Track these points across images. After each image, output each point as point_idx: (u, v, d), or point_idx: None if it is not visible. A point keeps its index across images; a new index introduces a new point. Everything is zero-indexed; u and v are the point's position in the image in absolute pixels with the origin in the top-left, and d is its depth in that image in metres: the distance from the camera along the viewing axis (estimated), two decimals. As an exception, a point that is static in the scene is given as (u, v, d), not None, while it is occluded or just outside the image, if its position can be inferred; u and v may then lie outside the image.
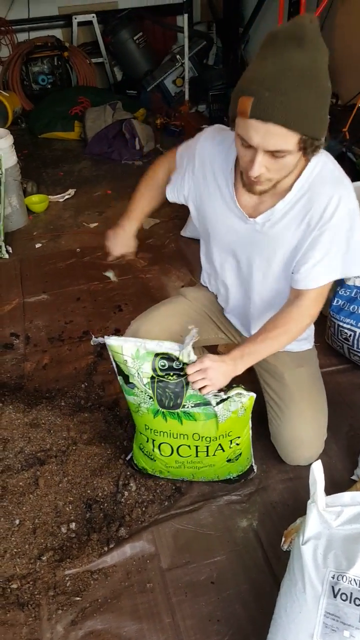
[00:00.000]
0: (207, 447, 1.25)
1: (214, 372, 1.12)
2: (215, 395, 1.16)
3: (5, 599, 1.20)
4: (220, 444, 1.25)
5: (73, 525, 1.33)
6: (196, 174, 1.26)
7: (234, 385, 1.19)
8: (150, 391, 1.20)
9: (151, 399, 1.21)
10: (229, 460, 1.30)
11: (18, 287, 2.30)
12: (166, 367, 1.16)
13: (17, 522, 1.33)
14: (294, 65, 0.91)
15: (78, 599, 1.20)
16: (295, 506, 1.34)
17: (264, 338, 1.18)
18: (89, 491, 1.39)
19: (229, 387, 1.17)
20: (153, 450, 1.30)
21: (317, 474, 1.01)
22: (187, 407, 1.19)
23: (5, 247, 2.52)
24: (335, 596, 0.93)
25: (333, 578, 0.94)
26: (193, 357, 1.14)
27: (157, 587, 1.22)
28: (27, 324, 2.09)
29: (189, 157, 1.27)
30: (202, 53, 4.30)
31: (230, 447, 1.26)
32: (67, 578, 1.23)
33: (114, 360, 1.22)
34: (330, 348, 1.81)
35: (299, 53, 0.91)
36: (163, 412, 1.22)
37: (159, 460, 1.31)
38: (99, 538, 1.29)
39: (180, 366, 1.16)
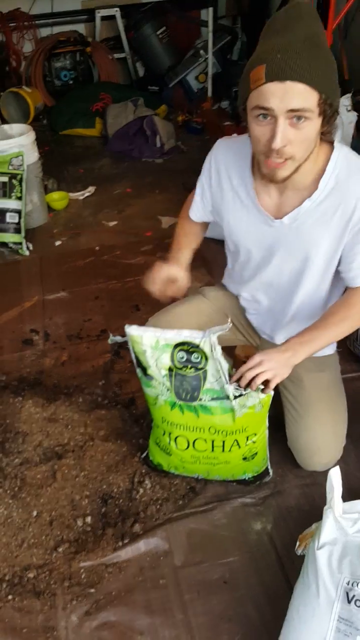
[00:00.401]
0: (223, 441, 1.25)
1: (272, 362, 1.10)
2: (236, 389, 1.15)
3: (22, 587, 1.24)
4: (236, 440, 1.25)
5: (89, 519, 1.35)
6: (213, 185, 1.26)
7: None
8: (167, 383, 1.21)
9: (169, 391, 1.22)
10: (244, 459, 1.30)
11: (38, 284, 2.34)
12: (184, 359, 1.17)
13: (34, 513, 1.36)
14: (300, 34, 0.95)
15: (92, 590, 1.23)
16: (311, 512, 1.33)
17: (325, 325, 1.15)
18: (104, 486, 1.42)
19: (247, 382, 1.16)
20: (169, 444, 1.31)
21: (335, 480, 1.02)
22: (204, 401, 1.20)
23: (26, 244, 2.56)
24: (349, 602, 0.93)
25: (348, 584, 0.95)
26: (217, 348, 1.13)
27: (170, 584, 1.23)
28: (46, 320, 2.12)
29: (205, 172, 1.27)
30: (226, 48, 4.27)
31: (246, 444, 1.26)
32: (82, 570, 1.26)
33: (133, 351, 1.22)
34: (352, 354, 1.79)
35: (301, 25, 0.95)
36: (180, 404, 1.23)
37: (175, 454, 1.32)
38: (113, 533, 1.32)
39: (199, 359, 1.16)
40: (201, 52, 4.05)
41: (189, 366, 1.17)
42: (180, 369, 1.18)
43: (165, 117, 3.84)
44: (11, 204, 2.49)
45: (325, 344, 1.18)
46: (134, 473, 1.44)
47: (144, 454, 1.46)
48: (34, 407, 1.62)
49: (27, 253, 2.54)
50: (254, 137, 1.04)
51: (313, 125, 0.99)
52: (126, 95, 3.79)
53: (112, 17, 4.29)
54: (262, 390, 1.15)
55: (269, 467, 1.39)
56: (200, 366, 1.16)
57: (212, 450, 1.28)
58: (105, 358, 1.89)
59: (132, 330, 1.19)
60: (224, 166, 1.23)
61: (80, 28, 4.40)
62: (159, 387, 1.23)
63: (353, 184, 1.10)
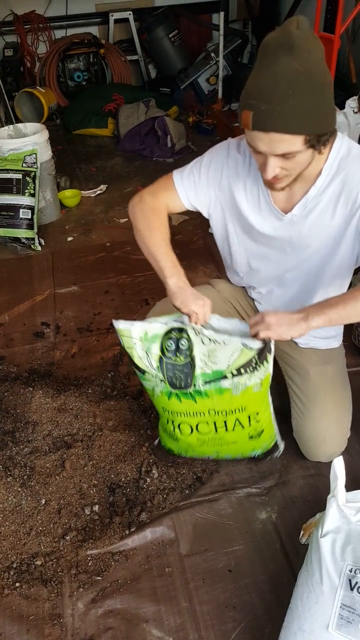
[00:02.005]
0: (225, 421, 1.26)
1: (275, 317, 1.08)
2: (254, 342, 1.12)
3: (29, 575, 1.25)
4: (237, 419, 1.25)
5: (96, 508, 1.37)
6: (222, 186, 1.25)
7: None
8: (160, 374, 1.22)
9: (162, 382, 1.23)
10: (251, 437, 1.30)
11: (50, 278, 2.37)
12: (173, 347, 1.18)
13: (43, 501, 1.38)
14: (285, 73, 0.94)
15: (99, 578, 1.24)
16: (315, 502, 1.35)
17: (342, 298, 1.11)
18: (112, 476, 1.44)
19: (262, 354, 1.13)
20: (174, 431, 1.32)
21: (338, 470, 1.03)
22: (198, 386, 1.21)
23: (39, 240, 2.59)
24: (352, 589, 0.94)
25: (351, 571, 0.96)
26: (204, 330, 1.13)
27: (175, 572, 1.25)
28: (57, 314, 2.15)
29: (215, 167, 1.25)
30: (237, 51, 4.30)
31: (249, 424, 1.26)
32: (89, 558, 1.28)
33: (123, 346, 1.23)
34: (356, 348, 1.80)
35: (289, 60, 0.94)
36: (176, 393, 1.23)
37: (182, 440, 1.33)
38: (120, 521, 1.33)
39: (187, 346, 1.17)
40: (212, 55, 4.09)
41: (178, 354, 1.18)
42: (170, 357, 1.19)
43: (176, 118, 3.88)
44: (24, 200, 2.53)
45: (341, 318, 1.11)
46: (142, 463, 1.46)
47: (156, 441, 1.48)
48: (44, 398, 1.65)
49: (39, 248, 2.58)
50: (251, 155, 1.11)
51: (303, 155, 1.04)
52: (138, 96, 3.83)
53: (125, 20, 4.35)
54: (262, 349, 1.12)
55: (279, 441, 1.37)
56: (188, 352, 1.18)
57: (216, 431, 1.28)
58: (114, 350, 1.92)
59: (120, 324, 1.20)
60: (239, 167, 1.24)
61: (94, 30, 4.46)
62: (152, 380, 1.25)
63: (355, 169, 1.12)
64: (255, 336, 1.12)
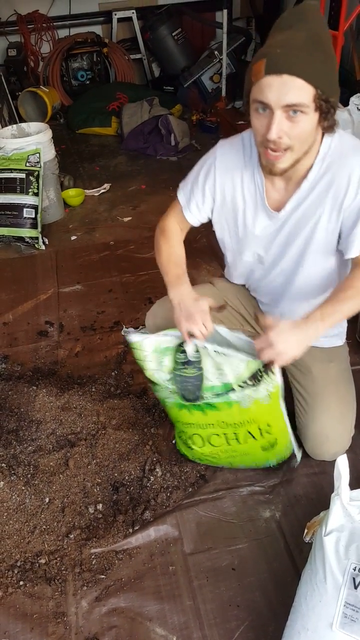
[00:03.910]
0: (236, 433, 1.26)
1: (282, 343, 1.07)
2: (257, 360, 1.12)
3: (33, 573, 1.26)
4: (249, 431, 1.25)
5: (100, 506, 1.37)
6: (217, 185, 1.26)
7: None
8: (171, 387, 1.22)
9: (173, 394, 1.24)
10: (264, 449, 1.30)
11: (53, 277, 2.38)
12: (184, 360, 1.18)
13: (47, 500, 1.39)
14: (300, 33, 0.99)
15: (103, 577, 1.24)
16: (319, 500, 1.34)
17: (341, 298, 1.12)
18: (116, 474, 1.44)
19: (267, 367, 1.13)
20: (187, 441, 1.34)
21: (342, 468, 1.02)
22: (208, 399, 1.21)
23: (42, 239, 2.60)
24: (356, 587, 0.94)
25: (354, 570, 0.95)
26: (209, 346, 1.14)
27: (179, 570, 1.25)
28: (61, 312, 2.16)
29: (206, 173, 1.27)
30: (241, 49, 4.29)
31: (262, 436, 1.26)
32: (92, 556, 1.28)
33: (135, 358, 1.24)
34: (360, 346, 1.80)
35: (304, 24, 1.00)
36: (186, 405, 1.24)
37: (195, 450, 1.35)
38: (124, 520, 1.33)
39: (199, 358, 1.17)
40: (216, 53, 4.08)
41: (189, 367, 1.18)
42: (181, 370, 1.19)
43: (179, 116, 3.88)
44: (28, 199, 2.54)
45: (345, 317, 1.15)
46: (145, 461, 1.46)
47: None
48: (47, 397, 1.65)
49: (43, 247, 2.59)
50: (253, 128, 1.08)
51: (309, 119, 1.03)
52: (142, 95, 3.83)
53: (128, 19, 4.35)
54: (265, 366, 1.13)
55: (296, 451, 1.35)
56: (199, 365, 1.17)
57: (228, 443, 1.29)
58: (118, 349, 1.92)
59: (132, 337, 1.20)
60: (232, 164, 1.24)
61: (98, 29, 4.47)
62: (163, 392, 1.25)
63: (345, 162, 1.12)
64: (263, 359, 1.11)
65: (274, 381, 1.16)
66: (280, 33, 1.01)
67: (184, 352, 1.17)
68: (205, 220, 1.36)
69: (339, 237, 1.19)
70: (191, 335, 1.17)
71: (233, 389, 1.17)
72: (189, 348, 1.17)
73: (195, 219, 1.33)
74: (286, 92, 0.98)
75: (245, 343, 1.18)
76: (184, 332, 1.17)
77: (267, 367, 1.14)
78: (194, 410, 1.24)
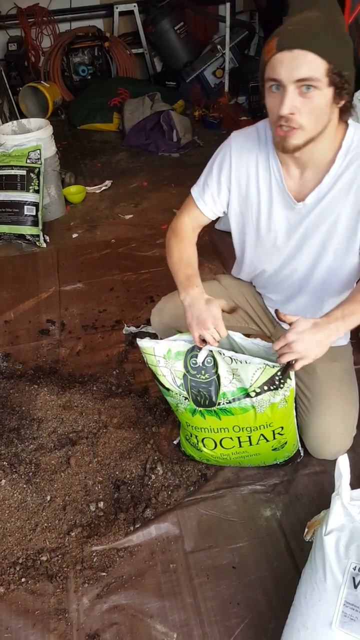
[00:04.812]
0: (249, 437, 1.26)
1: (302, 344, 1.04)
2: (274, 366, 1.11)
3: (35, 570, 1.27)
4: (262, 434, 1.25)
5: (101, 504, 1.38)
6: (233, 175, 1.24)
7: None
8: (184, 392, 1.22)
9: (187, 400, 1.23)
10: (274, 449, 1.31)
11: (55, 275, 2.38)
12: (197, 365, 1.17)
13: (48, 498, 1.39)
14: (312, 13, 0.99)
15: (104, 574, 1.25)
16: (320, 499, 1.35)
17: (356, 300, 1.08)
18: (117, 472, 1.45)
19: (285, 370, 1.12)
20: (197, 444, 1.34)
21: (343, 467, 1.02)
22: (222, 404, 1.20)
23: (43, 237, 2.60)
24: (355, 587, 0.94)
25: (354, 569, 0.95)
26: (224, 351, 1.13)
27: (180, 568, 1.25)
28: (62, 311, 2.16)
29: (221, 163, 1.25)
30: (244, 43, 4.26)
31: (274, 438, 1.27)
32: (94, 554, 1.29)
33: (147, 364, 1.23)
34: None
35: (315, 10, 1.00)
36: (200, 410, 1.23)
37: (205, 452, 1.35)
38: (125, 518, 1.34)
39: (212, 363, 1.16)
40: (218, 47, 4.05)
41: (203, 372, 1.17)
42: (195, 375, 1.18)
43: (182, 112, 3.86)
44: (29, 196, 2.53)
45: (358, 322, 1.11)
46: (147, 460, 1.46)
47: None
48: (49, 395, 1.66)
49: (44, 245, 2.58)
50: (267, 107, 1.07)
51: (322, 95, 1.00)
52: (144, 90, 3.81)
53: (130, 12, 4.32)
54: (286, 367, 1.11)
55: (300, 448, 1.38)
56: (214, 370, 1.16)
57: (240, 445, 1.29)
58: (119, 348, 1.92)
59: (144, 343, 1.19)
60: (246, 152, 1.22)
61: (99, 23, 4.44)
62: (176, 397, 1.24)
63: None
64: (284, 361, 1.08)
65: (291, 385, 1.16)
66: (292, 14, 1.02)
67: (195, 357, 1.16)
68: (220, 214, 1.32)
69: None
70: (203, 340, 1.15)
71: (249, 395, 1.17)
72: (201, 354, 1.15)
73: (210, 210, 1.30)
74: (297, 66, 0.97)
75: (261, 349, 1.16)
76: (196, 338, 1.15)
77: (285, 371, 1.12)
78: (208, 415, 1.23)
